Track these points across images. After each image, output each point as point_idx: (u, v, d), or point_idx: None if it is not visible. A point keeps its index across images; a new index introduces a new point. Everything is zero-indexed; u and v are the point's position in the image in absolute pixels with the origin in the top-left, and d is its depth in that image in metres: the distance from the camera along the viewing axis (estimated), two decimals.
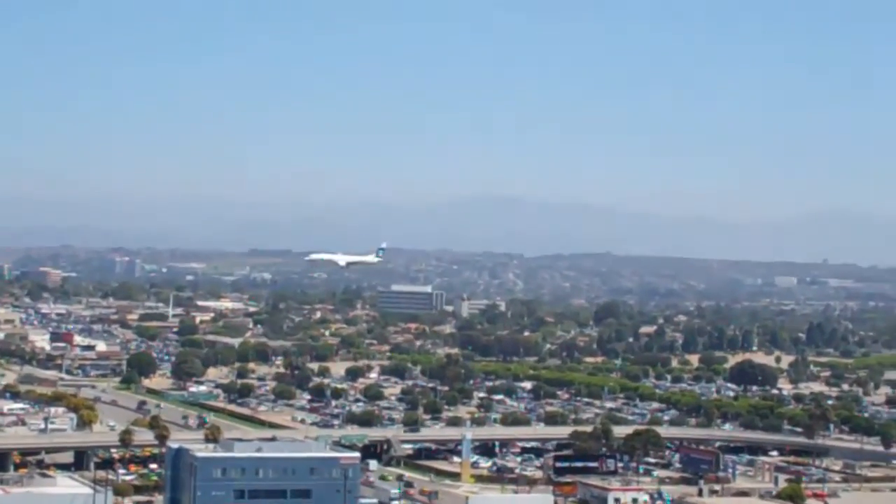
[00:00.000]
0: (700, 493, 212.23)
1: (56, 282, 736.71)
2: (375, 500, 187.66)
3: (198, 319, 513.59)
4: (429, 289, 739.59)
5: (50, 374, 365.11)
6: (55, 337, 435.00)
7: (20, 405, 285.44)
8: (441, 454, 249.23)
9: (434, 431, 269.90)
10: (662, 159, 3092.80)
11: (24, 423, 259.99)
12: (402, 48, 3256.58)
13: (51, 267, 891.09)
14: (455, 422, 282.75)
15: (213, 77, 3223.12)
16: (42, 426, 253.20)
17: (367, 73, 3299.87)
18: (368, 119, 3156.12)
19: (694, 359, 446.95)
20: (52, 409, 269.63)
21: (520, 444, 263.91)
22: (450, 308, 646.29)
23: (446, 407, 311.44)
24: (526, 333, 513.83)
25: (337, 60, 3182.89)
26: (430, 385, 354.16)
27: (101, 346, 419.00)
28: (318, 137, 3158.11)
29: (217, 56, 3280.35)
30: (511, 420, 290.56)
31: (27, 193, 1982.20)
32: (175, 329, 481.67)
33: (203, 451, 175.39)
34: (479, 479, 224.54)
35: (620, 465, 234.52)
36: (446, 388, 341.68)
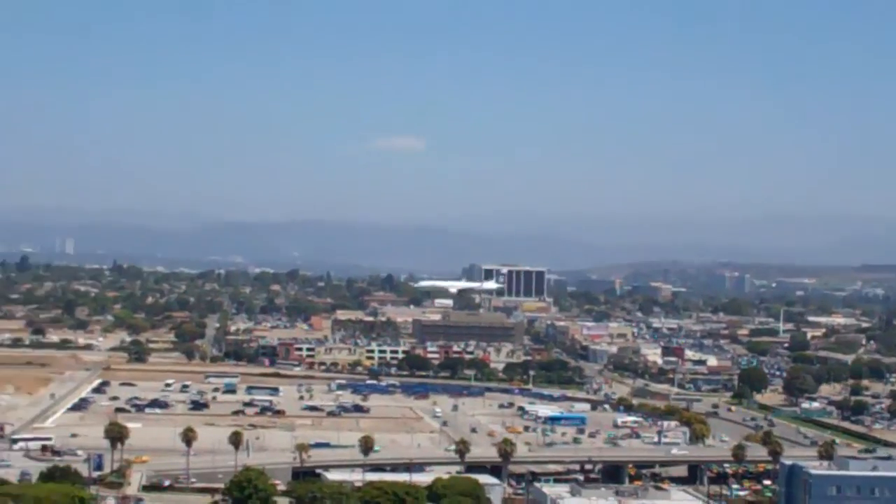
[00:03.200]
0: None
1: (666, 297, 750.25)
2: None
3: (809, 335, 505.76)
4: None
5: (662, 387, 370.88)
6: (666, 351, 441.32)
7: (634, 418, 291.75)
8: None
9: None
10: None
11: (638, 436, 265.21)
12: None
13: (661, 282, 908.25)
14: None
15: None
16: (655, 439, 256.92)
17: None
18: None
19: None
20: (665, 423, 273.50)
21: None
22: None
23: None
24: None
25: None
26: None
27: (712, 361, 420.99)
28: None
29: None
30: None
31: (638, 212, 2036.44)
32: (786, 344, 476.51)
33: (817, 468, 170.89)
34: None
35: None
36: None
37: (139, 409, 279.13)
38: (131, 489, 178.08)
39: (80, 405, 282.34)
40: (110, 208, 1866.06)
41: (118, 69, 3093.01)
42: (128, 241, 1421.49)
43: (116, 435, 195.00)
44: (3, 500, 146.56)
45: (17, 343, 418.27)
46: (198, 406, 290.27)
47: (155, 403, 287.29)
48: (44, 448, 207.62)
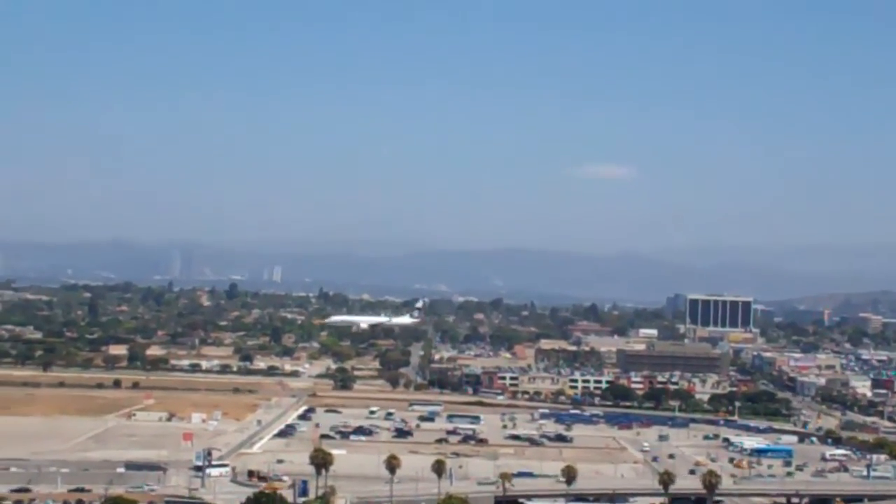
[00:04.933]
0: None
1: (876, 328, 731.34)
2: None
3: None
4: None
5: (871, 420, 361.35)
6: (876, 383, 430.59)
7: (843, 451, 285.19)
8: None
9: None
10: None
11: (846, 470, 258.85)
12: None
13: (871, 312, 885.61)
14: None
15: None
16: (864, 473, 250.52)
17: None
18: None
19: None
20: (875, 457, 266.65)
21: None
22: None
23: None
24: None
25: None
26: None
27: None
28: None
29: None
30: None
31: (847, 240, 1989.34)
32: None
33: None
34: None
35: None
36: None
37: (344, 435, 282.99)
38: None
39: (286, 431, 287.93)
40: (317, 238, 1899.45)
41: (337, 102, 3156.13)
42: (334, 270, 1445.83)
43: (321, 461, 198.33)
44: None
45: (225, 369, 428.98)
46: (402, 434, 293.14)
47: (359, 430, 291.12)
48: (250, 474, 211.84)
